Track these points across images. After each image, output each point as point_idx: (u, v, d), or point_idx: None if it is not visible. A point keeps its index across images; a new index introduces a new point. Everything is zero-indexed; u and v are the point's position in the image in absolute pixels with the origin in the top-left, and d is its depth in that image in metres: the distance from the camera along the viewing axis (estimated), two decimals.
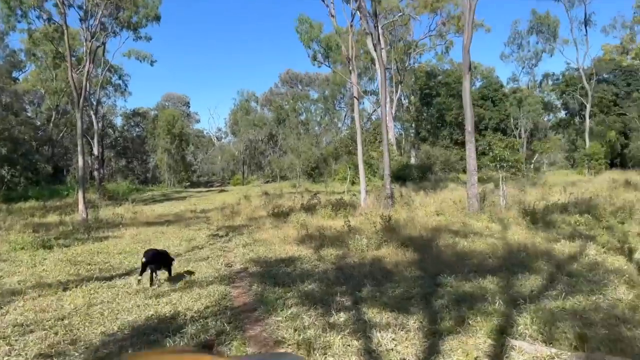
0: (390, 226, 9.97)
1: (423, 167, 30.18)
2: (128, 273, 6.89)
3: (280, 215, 13.77)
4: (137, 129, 52.66)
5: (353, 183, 30.62)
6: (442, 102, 43.18)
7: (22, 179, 33.30)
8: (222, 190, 31.27)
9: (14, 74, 39.88)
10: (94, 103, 27.91)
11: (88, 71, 13.64)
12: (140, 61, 30.34)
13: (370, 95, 49.66)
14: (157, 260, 6.19)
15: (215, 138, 63.12)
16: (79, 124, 13.96)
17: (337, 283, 5.80)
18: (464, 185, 25.89)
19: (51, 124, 37.15)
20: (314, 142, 38.76)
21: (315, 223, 11.66)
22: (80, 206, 13.83)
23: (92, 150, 28.01)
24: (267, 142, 53.09)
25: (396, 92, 37.18)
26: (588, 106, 35.03)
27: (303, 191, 26.85)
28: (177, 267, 7.01)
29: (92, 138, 27.47)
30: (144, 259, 6.05)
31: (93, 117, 27.06)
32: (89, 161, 28.29)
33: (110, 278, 6.61)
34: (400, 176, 28.64)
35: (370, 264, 6.80)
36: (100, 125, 48.90)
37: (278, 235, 10.06)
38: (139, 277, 6.15)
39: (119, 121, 52.02)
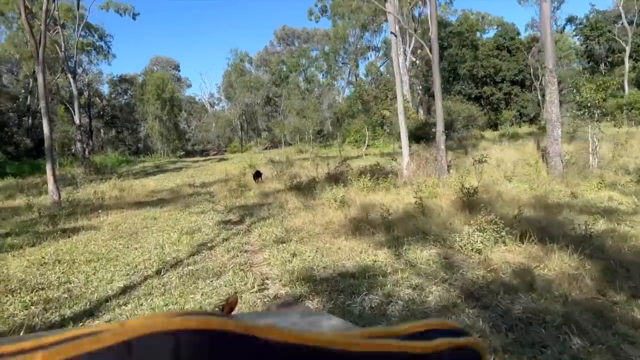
0: (475, 202, 7.10)
1: (445, 125, 27.09)
2: (93, 311, 3.99)
3: (302, 188, 10.85)
4: (125, 97, 48.99)
5: (367, 145, 27.68)
6: (455, 54, 39.55)
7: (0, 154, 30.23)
8: (221, 159, 28.20)
9: None
10: (72, 66, 24.32)
11: (47, 11, 10.29)
12: (121, 15, 26.60)
13: (373, 51, 45.92)
14: None
15: (208, 104, 59.33)
16: (39, 79, 10.76)
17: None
18: (495, 143, 23.03)
19: (29, 93, 33.63)
20: (317, 103, 35.39)
21: (357, 199, 8.78)
22: (50, 186, 10.83)
23: (72, 118, 24.64)
24: (264, 105, 49.55)
25: (409, 45, 33.55)
26: (628, 49, 31.74)
27: (314, 157, 23.98)
28: (170, 297, 4.15)
29: (71, 104, 24.07)
30: None
31: (71, 81, 23.54)
32: (71, 131, 24.93)
33: (62, 323, 3.73)
34: (419, 135, 25.63)
35: (523, 284, 3.94)
36: (86, 94, 45.46)
37: (315, 220, 7.17)
38: None
39: (105, 89, 48.34)
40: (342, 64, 42.38)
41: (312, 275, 4.49)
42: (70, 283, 4.79)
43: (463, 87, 39.45)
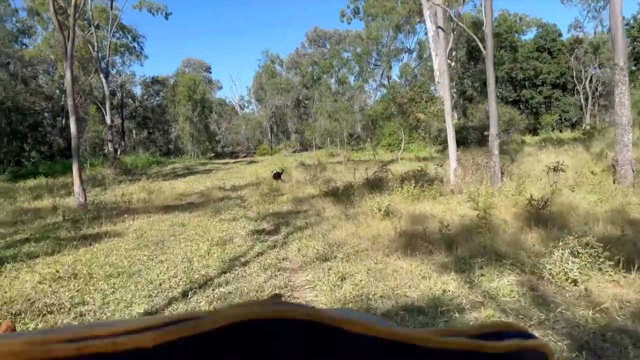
0: (544, 216, 6.16)
1: (483, 129, 25.82)
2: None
3: (339, 194, 10.05)
4: (157, 98, 49.38)
5: (400, 148, 26.68)
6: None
7: (33, 153, 30.56)
8: (251, 162, 27.71)
9: (25, 41, 36.76)
10: (104, 66, 24.24)
11: (76, 6, 9.85)
12: (154, 14, 26.48)
13: (406, 52, 44.73)
14: None
15: (238, 106, 59.25)
16: (67, 76, 10.31)
17: None
18: (540, 148, 21.73)
19: (63, 93, 34.00)
20: (349, 106, 34.49)
21: (403, 209, 7.93)
22: (76, 187, 10.36)
23: (104, 118, 24.55)
24: (294, 108, 49.04)
25: (446, 45, 32.31)
26: None
27: (346, 160, 23.22)
28: None
29: (103, 105, 23.98)
30: None
31: (104, 81, 23.45)
32: (103, 131, 24.83)
33: None
34: (457, 140, 24.50)
35: None
36: (119, 95, 45.98)
37: (360, 232, 6.36)
38: None
39: (138, 90, 48.83)
40: (375, 65, 41.43)
41: (369, 306, 3.68)
42: (85, 304, 4.13)
43: (501, 90, 37.91)
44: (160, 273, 5.03)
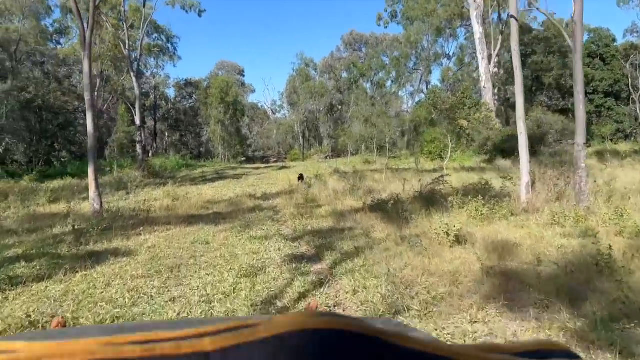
0: None
1: (533, 138, 23.77)
2: None
3: (388, 209, 8.56)
4: (190, 101, 49.04)
5: (441, 158, 24.93)
6: (539, 62, 35.73)
7: (64, 153, 30.21)
8: (282, 167, 26.48)
9: (62, 41, 36.84)
10: (135, 65, 23.50)
11: None
12: (187, 11, 25.73)
13: (446, 58, 42.73)
14: None
15: (270, 111, 58.38)
16: (85, 67, 9.20)
17: None
18: (600, 161, 19.71)
19: (95, 93, 33.75)
20: (387, 110, 32.88)
21: (476, 232, 6.40)
22: (91, 193, 9.23)
23: (133, 119, 23.76)
24: (327, 113, 47.75)
25: (494, 49, 30.37)
26: None
27: (383, 168, 21.73)
28: None
29: (134, 105, 23.21)
30: None
31: (134, 80, 22.67)
32: (132, 132, 24.07)
33: None
34: (505, 149, 22.60)
35: None
36: (152, 97, 45.80)
37: (431, 267, 4.89)
38: None
39: (171, 92, 48.62)
40: (413, 69, 39.72)
41: None
42: None
43: (548, 97, 35.61)
44: (169, 319, 3.68)
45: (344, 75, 50.95)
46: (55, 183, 18.70)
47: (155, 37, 35.68)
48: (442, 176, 9.48)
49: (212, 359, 0.32)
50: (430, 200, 9.06)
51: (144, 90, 45.84)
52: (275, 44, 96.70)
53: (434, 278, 4.56)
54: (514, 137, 23.93)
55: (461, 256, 5.25)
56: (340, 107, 49.71)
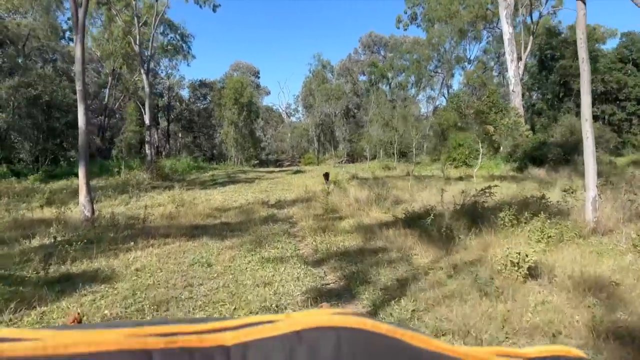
0: None
1: (566, 146, 22.16)
2: None
3: (425, 224, 7.19)
4: (204, 102, 48.13)
5: (467, 165, 23.42)
6: (568, 66, 33.84)
7: (72, 152, 29.28)
8: (297, 172, 25.19)
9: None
10: (147, 62, 22.40)
11: None
12: (201, 6, 24.54)
13: (466, 62, 41.08)
14: None
15: (285, 114, 57.21)
16: (77, 52, 7.95)
17: None
18: None
19: (107, 91, 32.90)
20: (409, 113, 31.42)
21: (550, 261, 5.02)
22: (82, 198, 8.02)
23: (142, 118, 22.60)
24: (342, 117, 46.38)
25: (524, 49, 28.77)
26: None
27: (405, 175, 20.38)
28: None
29: (143, 104, 22.09)
30: None
31: (144, 77, 21.57)
32: (142, 132, 22.94)
33: None
34: (536, 157, 21.02)
35: None
36: (166, 98, 45.02)
37: (512, 317, 3.55)
38: None
39: (185, 93, 47.81)
40: (435, 72, 38.21)
41: None
42: None
43: (576, 104, 33.67)
44: None
45: (362, 77, 49.69)
46: (61, 183, 17.77)
47: (171, 38, 34.70)
48: (489, 187, 8.05)
49: (232, 353, 0.32)
50: (474, 214, 7.67)
51: (157, 91, 45.15)
52: (291, 47, 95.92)
53: (520, 337, 3.20)
54: (545, 145, 22.39)
55: (545, 299, 3.88)
56: (356, 110, 48.36)
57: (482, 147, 19.11)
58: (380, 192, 11.37)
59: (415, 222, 7.60)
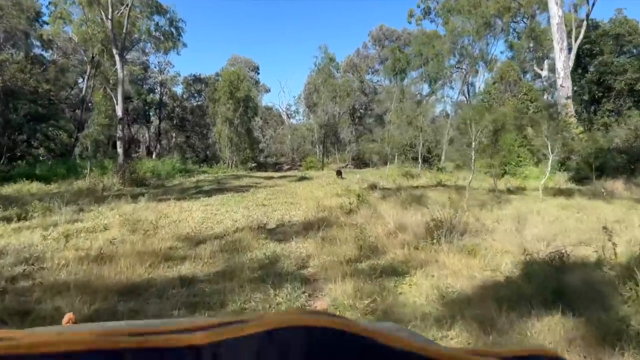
0: None
1: (631, 153, 18.23)
2: None
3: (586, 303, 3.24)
4: (198, 99, 44.24)
5: (506, 172, 19.54)
6: (609, 63, 29.79)
7: (41, 150, 25.35)
8: (302, 178, 21.16)
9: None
10: (119, 40, 18.29)
11: None
12: None
13: (481, 61, 37.23)
14: None
15: (285, 115, 53.24)
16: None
17: None
18: None
19: (85, 82, 28.92)
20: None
21: None
22: None
23: (115, 110, 18.44)
24: (349, 117, 42.54)
25: (574, 39, 24.78)
26: None
27: (433, 183, 16.60)
28: None
29: (115, 92, 18.07)
30: None
31: (117, 59, 17.62)
32: (112, 126, 18.88)
33: None
34: (597, 166, 17.05)
35: None
36: (158, 94, 41.13)
37: None
38: None
39: (179, 90, 43.93)
40: (457, 68, 34.32)
41: None
42: None
43: (618, 104, 29.71)
44: None
45: (368, 76, 45.86)
46: (10, 189, 13.94)
47: (159, 21, 30.73)
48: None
49: (203, 353, 0.32)
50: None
51: (148, 86, 41.29)
52: (292, 45, 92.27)
53: None
54: (607, 151, 18.44)
55: None
56: (362, 110, 44.58)
57: (537, 153, 15.39)
58: (439, 216, 7.31)
59: (565, 294, 3.65)
